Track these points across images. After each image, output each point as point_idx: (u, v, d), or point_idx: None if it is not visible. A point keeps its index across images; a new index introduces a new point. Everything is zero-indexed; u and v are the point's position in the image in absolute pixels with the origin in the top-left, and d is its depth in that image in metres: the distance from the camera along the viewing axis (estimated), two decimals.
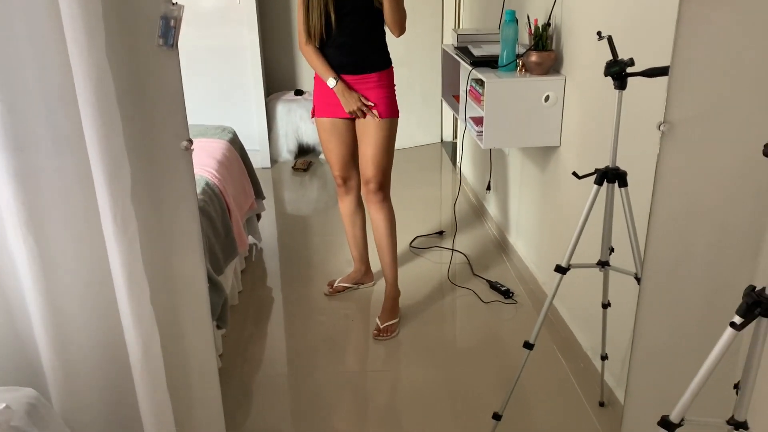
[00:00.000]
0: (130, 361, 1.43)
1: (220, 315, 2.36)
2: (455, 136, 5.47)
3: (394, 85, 2.65)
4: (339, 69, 2.55)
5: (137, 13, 1.20)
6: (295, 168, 4.84)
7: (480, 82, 2.83)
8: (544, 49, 2.60)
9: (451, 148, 5.34)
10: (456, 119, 5.38)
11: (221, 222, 2.67)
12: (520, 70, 2.69)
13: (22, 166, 1.31)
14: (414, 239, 3.69)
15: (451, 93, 3.43)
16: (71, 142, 1.32)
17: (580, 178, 1.80)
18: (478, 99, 2.81)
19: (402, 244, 3.62)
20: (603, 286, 2.02)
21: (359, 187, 2.85)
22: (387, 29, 2.55)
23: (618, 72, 1.64)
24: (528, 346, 1.93)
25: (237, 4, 4.50)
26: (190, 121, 4.52)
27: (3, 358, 1.52)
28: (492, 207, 3.78)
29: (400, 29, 2.48)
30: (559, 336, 2.72)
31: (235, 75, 4.67)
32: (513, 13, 2.64)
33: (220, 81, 4.68)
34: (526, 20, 2.76)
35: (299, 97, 5.01)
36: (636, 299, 2.01)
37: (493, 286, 3.15)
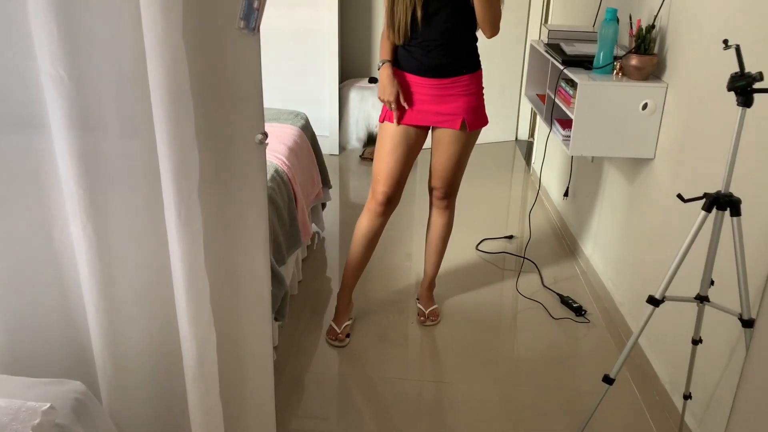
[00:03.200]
0: (184, 362, 1.34)
1: (279, 308, 2.28)
2: (531, 135, 5.25)
3: (483, 89, 2.41)
4: (425, 71, 2.29)
5: None
6: (362, 157, 4.73)
7: (571, 83, 2.63)
8: (645, 53, 2.38)
9: (526, 148, 5.12)
10: (534, 117, 5.16)
11: (287, 211, 2.58)
12: (617, 73, 2.48)
13: (86, 147, 1.23)
14: (481, 241, 3.53)
15: (535, 91, 3.24)
16: (140, 127, 1.22)
17: (686, 201, 1.61)
18: (567, 101, 2.62)
19: (468, 246, 3.47)
20: (696, 320, 1.82)
21: (395, 208, 2.54)
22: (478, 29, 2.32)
23: (744, 87, 1.44)
24: (608, 380, 1.76)
25: None
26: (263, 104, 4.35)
27: (55, 343, 1.47)
28: (569, 215, 3.57)
29: (493, 30, 2.22)
30: (634, 363, 2.52)
31: (310, 58, 4.59)
32: (614, 11, 2.43)
33: (295, 64, 4.60)
34: (628, 20, 2.54)
35: (373, 84, 4.89)
36: (735, 339, 1.80)
37: (565, 301, 2.96)
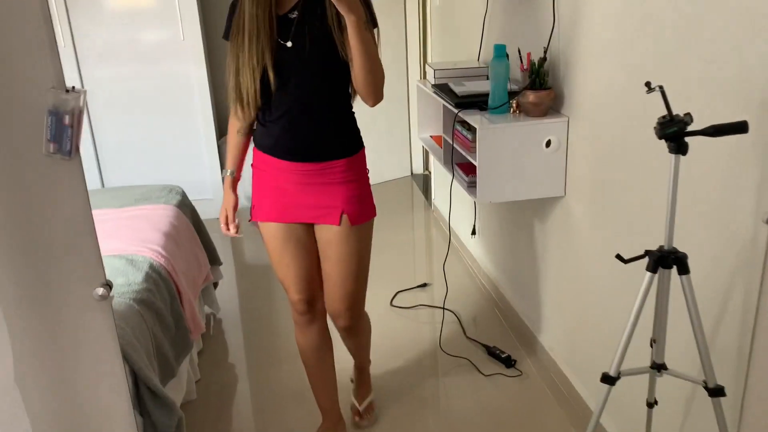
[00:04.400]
0: None
1: None
2: (426, 168, 5.10)
3: (367, 172, 1.96)
4: (286, 153, 1.82)
5: (16, 107, 0.77)
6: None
7: (466, 126, 2.45)
8: (542, 87, 2.24)
9: (423, 182, 4.96)
10: (426, 150, 5.02)
11: (171, 311, 2.21)
12: (514, 111, 2.32)
13: None
14: (395, 295, 3.28)
15: (428, 133, 3.05)
16: None
17: (626, 262, 1.42)
18: (466, 145, 2.43)
19: (382, 303, 3.21)
20: (649, 383, 1.64)
21: (324, 310, 2.11)
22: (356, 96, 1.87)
23: (677, 133, 1.27)
24: None
25: (182, 39, 4.04)
26: (130, 179, 3.91)
27: None
28: (480, 255, 3.40)
29: (377, 95, 1.75)
30: (577, 416, 2.34)
31: (182, 117, 4.20)
32: (503, 48, 2.27)
33: (165, 124, 4.20)
34: (518, 54, 2.39)
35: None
36: (690, 396, 1.64)
37: (492, 352, 2.76)
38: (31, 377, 0.85)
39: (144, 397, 1.80)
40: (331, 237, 1.91)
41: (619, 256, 1.42)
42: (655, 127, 1.31)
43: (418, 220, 4.33)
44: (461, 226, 3.64)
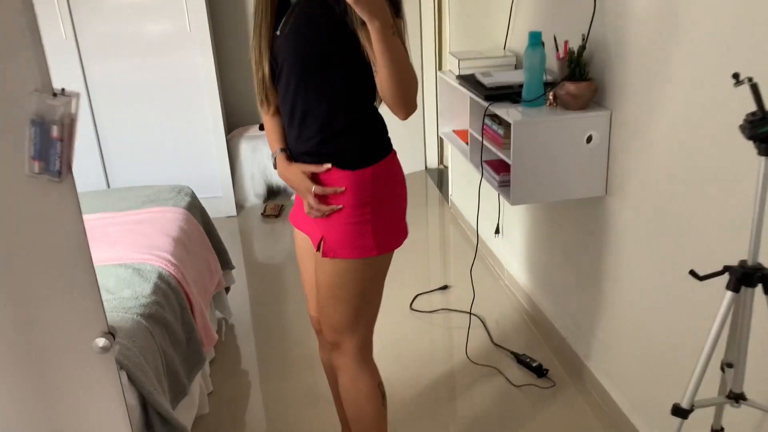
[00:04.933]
0: None
1: None
2: (441, 162, 4.91)
3: (384, 198, 1.58)
4: (293, 152, 1.62)
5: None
6: (265, 215, 4.21)
7: (497, 120, 2.27)
8: (581, 78, 2.05)
9: (438, 176, 4.78)
10: (442, 142, 4.83)
11: (182, 324, 2.05)
12: (551, 104, 2.14)
13: None
14: (414, 298, 3.11)
15: (451, 128, 2.86)
16: None
17: (702, 279, 1.25)
18: (497, 141, 2.25)
19: (401, 306, 3.04)
20: (716, 410, 1.47)
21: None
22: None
23: None
24: None
25: (188, 31, 3.86)
26: (136, 178, 3.69)
27: None
28: (504, 255, 3.22)
29: (408, 107, 1.47)
30: (617, 430, 2.17)
31: (190, 111, 4.02)
32: (539, 35, 2.09)
33: (173, 119, 4.02)
34: (553, 42, 2.21)
35: (264, 132, 4.39)
36: (759, 423, 1.46)
37: (521, 360, 2.59)
38: None
39: (153, 421, 1.64)
40: (313, 257, 1.70)
41: (693, 272, 1.25)
42: (742, 126, 1.13)
43: (434, 217, 4.15)
44: (483, 223, 3.46)
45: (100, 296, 0.77)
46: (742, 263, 1.21)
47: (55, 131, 0.62)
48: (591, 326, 2.36)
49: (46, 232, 0.68)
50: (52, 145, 0.63)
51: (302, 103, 1.53)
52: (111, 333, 0.76)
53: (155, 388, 1.64)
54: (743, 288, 1.21)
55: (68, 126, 0.63)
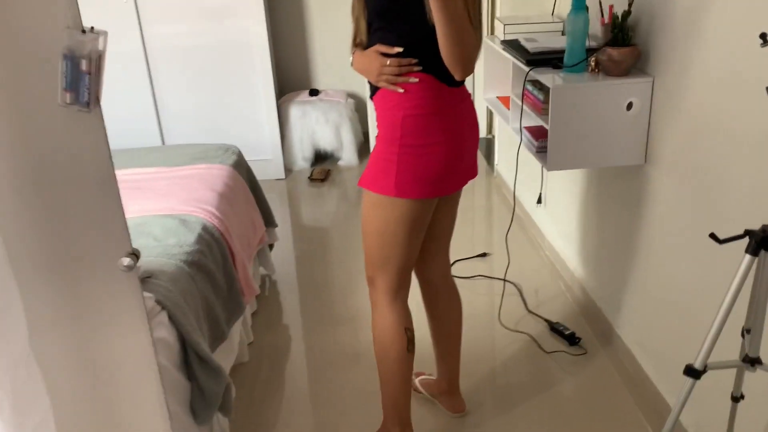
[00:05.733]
0: None
1: (222, 404, 1.85)
2: (489, 131, 4.89)
3: (404, 141, 1.65)
4: (372, 89, 1.75)
5: (27, 50, 0.67)
6: (311, 178, 4.30)
7: (538, 85, 2.26)
8: (624, 44, 2.03)
9: (485, 146, 4.76)
10: (491, 111, 4.80)
11: (223, 273, 2.16)
12: (593, 70, 2.12)
13: None
14: (453, 263, 3.15)
15: (495, 94, 2.86)
16: None
17: (722, 242, 1.25)
18: (537, 107, 2.25)
19: None
20: (736, 376, 1.47)
21: (435, 279, 2.03)
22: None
23: None
24: None
25: None
26: (189, 137, 3.79)
27: None
28: (546, 225, 3.22)
29: (464, 68, 1.53)
30: (647, 402, 2.18)
31: (241, 76, 4.13)
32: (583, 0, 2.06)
33: (224, 83, 4.13)
34: (599, 7, 2.17)
35: (314, 97, 4.46)
36: None
37: (555, 328, 2.61)
38: (51, 351, 0.78)
39: (192, 362, 1.75)
40: None
41: (713, 236, 1.25)
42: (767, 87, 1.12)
43: (480, 187, 4.15)
44: (527, 193, 3.46)
45: (125, 220, 0.84)
46: (764, 227, 1.21)
47: (83, 65, 0.69)
48: (623, 295, 2.35)
49: (77, 158, 0.76)
50: (81, 77, 0.70)
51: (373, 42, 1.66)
52: (135, 254, 0.84)
53: (193, 329, 1.75)
54: (763, 252, 1.21)
55: (96, 61, 0.70)
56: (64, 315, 0.83)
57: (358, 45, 1.73)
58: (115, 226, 0.83)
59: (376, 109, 1.72)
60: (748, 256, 1.21)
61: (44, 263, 0.79)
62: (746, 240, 1.22)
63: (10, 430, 0.72)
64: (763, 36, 1.10)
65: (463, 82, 1.72)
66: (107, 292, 0.83)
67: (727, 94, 1.64)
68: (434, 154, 1.67)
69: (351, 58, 1.76)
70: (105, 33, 0.69)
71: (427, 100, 1.64)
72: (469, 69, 1.55)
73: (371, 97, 1.75)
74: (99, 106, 0.74)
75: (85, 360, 0.84)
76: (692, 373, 1.29)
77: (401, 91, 1.64)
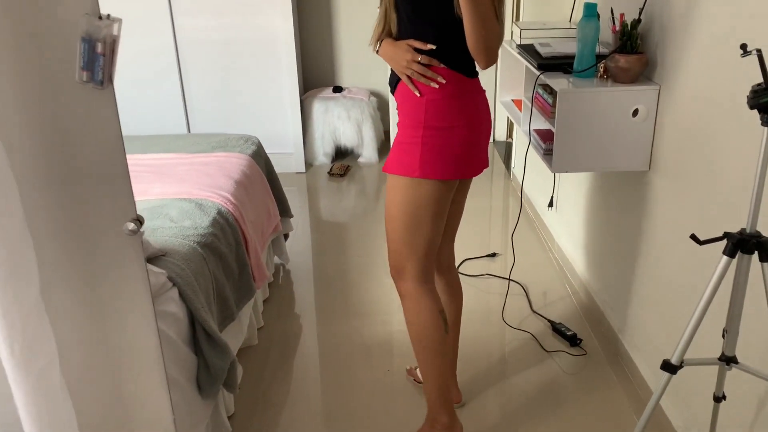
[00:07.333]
0: None
1: (226, 380, 1.94)
2: (509, 136, 4.94)
3: (428, 125, 1.72)
4: (393, 81, 1.84)
5: (50, 33, 0.77)
6: (331, 173, 4.40)
7: (548, 89, 2.32)
8: (633, 51, 2.08)
9: (505, 150, 4.81)
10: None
11: (235, 257, 2.25)
12: (601, 76, 2.17)
13: None
14: (462, 262, 3.22)
15: (510, 97, 2.92)
16: None
17: (701, 243, 1.30)
18: (546, 110, 2.30)
19: None
20: (717, 376, 1.52)
21: (440, 268, 2.10)
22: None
23: None
24: None
25: None
26: (214, 128, 3.94)
27: None
28: (556, 228, 3.26)
29: (488, 58, 1.62)
30: (639, 401, 2.22)
31: (267, 71, 4.24)
32: (594, 6, 2.12)
33: (250, 77, 4.25)
34: (610, 15, 2.23)
35: (338, 94, 4.56)
36: (764, 393, 1.50)
37: (557, 329, 2.66)
38: (60, 305, 0.87)
39: (199, 337, 1.84)
40: None
41: (694, 237, 1.30)
42: (748, 96, 1.17)
43: (497, 189, 4.21)
44: (540, 197, 3.51)
45: (131, 188, 0.94)
46: (741, 231, 1.26)
47: (99, 47, 0.78)
48: (626, 301, 2.40)
49: (90, 130, 0.85)
50: (96, 59, 0.79)
51: (408, 38, 1.72)
52: (139, 220, 0.93)
53: (202, 306, 1.84)
54: (739, 254, 1.26)
55: (110, 44, 0.79)
56: (73, 273, 0.92)
57: (383, 34, 1.78)
58: (121, 193, 0.92)
59: (398, 97, 1.80)
60: (725, 258, 1.26)
61: (59, 224, 0.88)
62: (725, 242, 1.27)
63: (19, 368, 0.82)
64: (743, 47, 1.15)
65: (477, 74, 1.79)
66: (114, 256, 0.93)
67: (720, 101, 1.68)
68: (456, 137, 1.75)
69: (372, 46, 1.82)
70: (119, 20, 0.78)
71: (449, 86, 1.72)
72: (492, 58, 1.63)
73: (392, 84, 1.81)
74: (111, 84, 0.83)
75: (90, 312, 0.93)
76: (669, 368, 1.34)
77: (418, 93, 1.72)
